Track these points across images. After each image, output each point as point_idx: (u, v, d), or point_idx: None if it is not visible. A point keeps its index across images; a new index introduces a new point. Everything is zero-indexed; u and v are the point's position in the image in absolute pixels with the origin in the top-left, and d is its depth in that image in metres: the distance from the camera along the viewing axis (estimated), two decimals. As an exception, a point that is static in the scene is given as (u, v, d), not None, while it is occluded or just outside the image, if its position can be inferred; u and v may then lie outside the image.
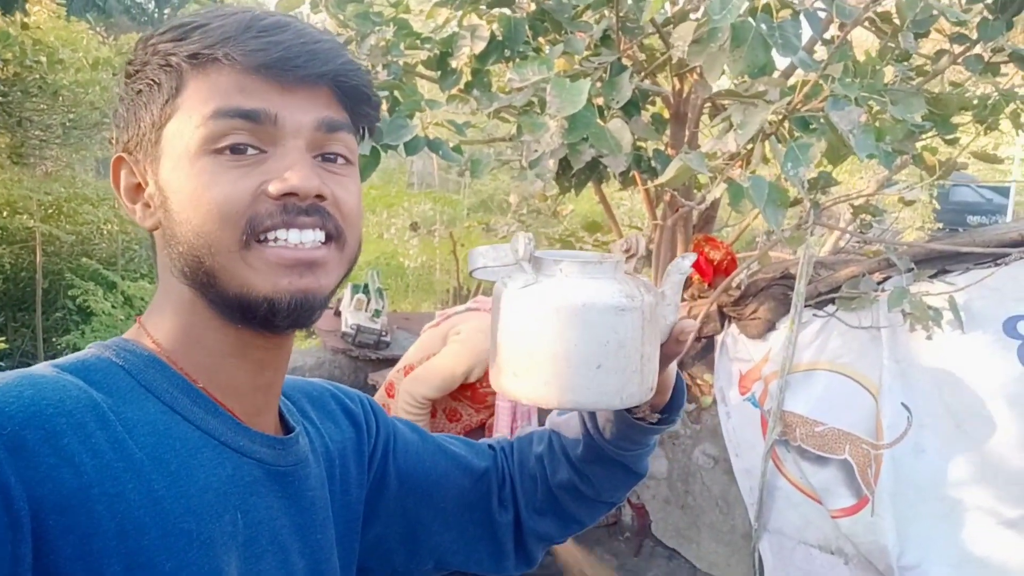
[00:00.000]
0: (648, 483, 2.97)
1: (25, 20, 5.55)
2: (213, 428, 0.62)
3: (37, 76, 5.48)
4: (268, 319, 0.62)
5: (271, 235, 0.61)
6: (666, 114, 2.97)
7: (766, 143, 1.92)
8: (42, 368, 0.58)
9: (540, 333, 0.69)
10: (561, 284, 0.71)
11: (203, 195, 0.60)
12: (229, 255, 0.60)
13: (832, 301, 2.53)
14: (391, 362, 2.85)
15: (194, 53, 0.61)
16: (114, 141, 0.67)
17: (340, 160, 0.66)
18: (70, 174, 7.16)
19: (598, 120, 2.12)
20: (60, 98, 5.74)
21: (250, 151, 0.61)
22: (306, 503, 0.70)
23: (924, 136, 2.64)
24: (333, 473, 0.76)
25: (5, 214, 6.44)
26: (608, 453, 0.84)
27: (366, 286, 2.89)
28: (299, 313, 0.62)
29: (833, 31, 2.42)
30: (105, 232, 7.22)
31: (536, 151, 2.15)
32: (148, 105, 0.63)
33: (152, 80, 0.63)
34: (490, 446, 0.94)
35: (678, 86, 2.97)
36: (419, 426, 0.91)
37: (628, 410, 0.79)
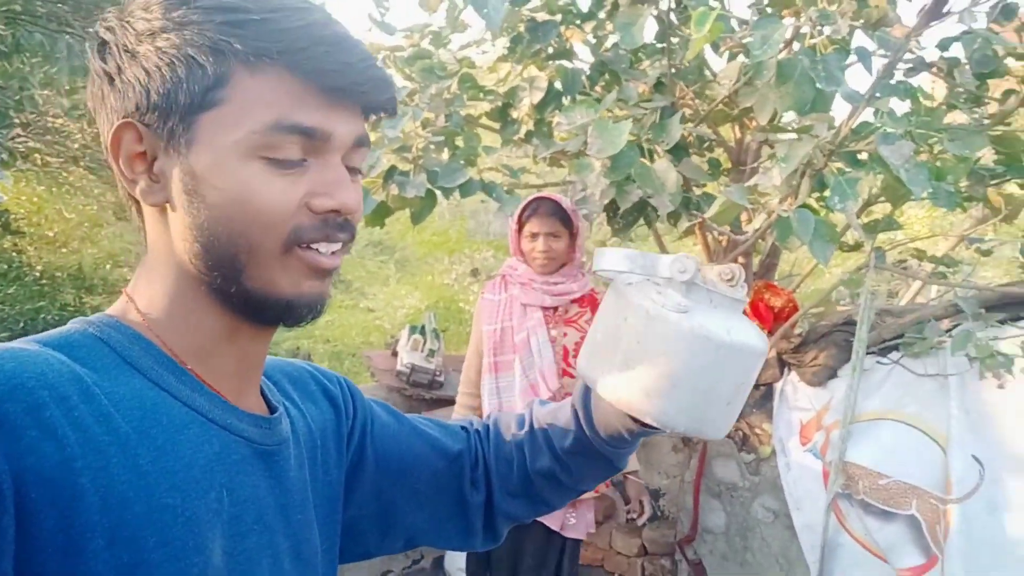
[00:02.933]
0: (705, 538, 2.87)
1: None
2: (199, 405, 0.62)
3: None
4: (279, 317, 0.64)
5: (312, 245, 0.62)
6: (726, 162, 2.96)
7: (813, 179, 1.89)
8: (24, 343, 0.57)
9: (689, 363, 0.68)
10: (714, 318, 0.70)
11: (252, 200, 0.60)
12: (267, 258, 0.61)
13: (896, 348, 2.43)
14: (444, 402, 2.87)
15: (253, 51, 0.58)
16: (105, 97, 0.62)
17: (358, 173, 0.67)
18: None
19: (644, 160, 2.13)
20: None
21: (295, 161, 0.61)
22: (288, 483, 0.69)
23: (996, 181, 2.55)
24: (315, 454, 0.76)
25: (108, 266, 6.85)
26: (597, 448, 0.85)
27: (423, 327, 2.94)
28: (312, 314, 0.65)
29: (899, 76, 2.38)
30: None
31: (582, 191, 2.18)
32: (184, 83, 0.59)
33: (193, 58, 0.58)
34: (464, 428, 0.94)
35: (739, 135, 2.98)
36: (397, 410, 0.92)
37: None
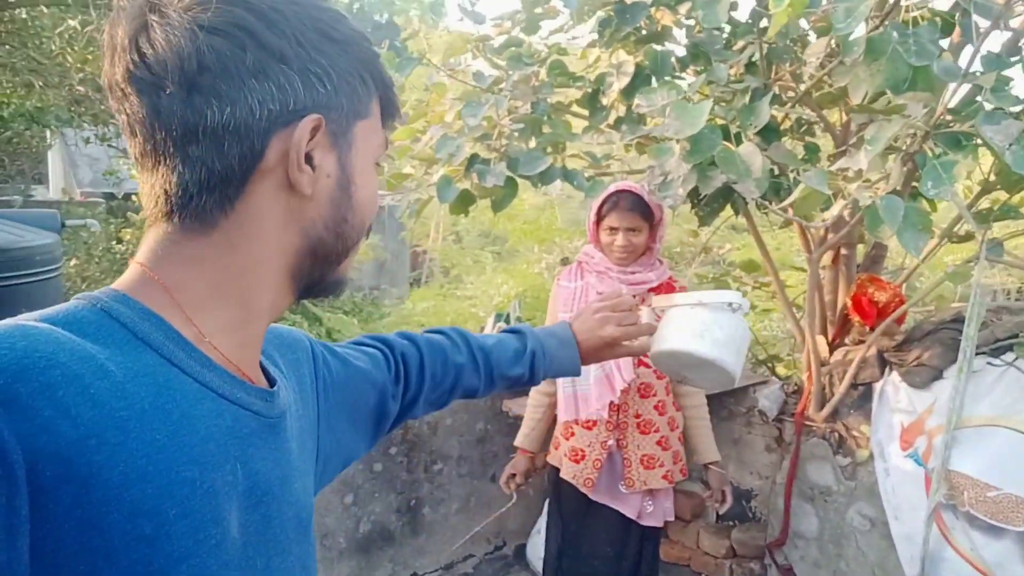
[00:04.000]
0: (797, 543, 2.73)
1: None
2: (210, 380, 0.62)
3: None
4: (325, 295, 0.74)
5: None
6: (828, 146, 2.79)
7: (906, 162, 1.75)
8: (30, 319, 0.57)
9: (743, 340, 1.25)
10: (743, 322, 1.26)
11: (375, 199, 0.72)
12: (359, 247, 0.74)
13: (1011, 348, 2.22)
14: (526, 390, 2.86)
15: (381, 79, 0.71)
16: (284, 89, 0.63)
17: None
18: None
19: (727, 144, 2.03)
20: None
21: None
22: (289, 453, 0.71)
23: None
24: (302, 423, 0.78)
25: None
26: (530, 382, 1.17)
27: (508, 315, 2.93)
28: (342, 291, 0.76)
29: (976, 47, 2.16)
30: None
31: (662, 176, 2.10)
32: (353, 94, 0.67)
33: (362, 76, 0.68)
34: (383, 351, 1.04)
35: (845, 117, 2.80)
36: (332, 346, 0.98)
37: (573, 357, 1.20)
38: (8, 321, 0.55)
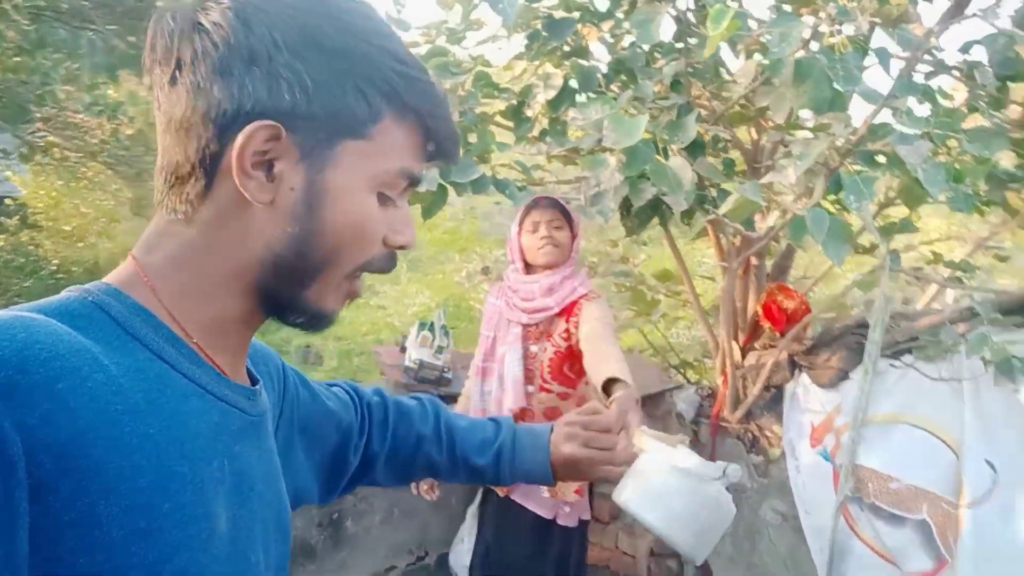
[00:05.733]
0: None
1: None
2: (199, 377, 0.63)
3: (154, 135, 5.92)
4: (300, 324, 0.69)
5: (361, 274, 0.69)
6: (740, 163, 2.95)
7: (829, 178, 1.88)
8: (24, 310, 0.57)
9: (712, 518, 1.07)
10: (722, 497, 1.08)
11: (360, 229, 0.65)
12: (336, 279, 0.67)
13: (911, 351, 2.41)
14: (454, 398, 2.87)
15: (406, 103, 0.65)
16: (231, 69, 0.60)
17: None
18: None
19: (659, 158, 2.13)
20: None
21: None
22: (268, 453, 0.73)
23: (1017, 186, 2.53)
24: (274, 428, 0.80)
25: (121, 262, 6.88)
26: (495, 479, 1.09)
27: (432, 324, 2.94)
28: (323, 327, 0.71)
29: (919, 79, 2.37)
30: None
31: (595, 188, 2.17)
32: (340, 109, 0.62)
33: (362, 90, 0.63)
34: (351, 397, 1.03)
35: (754, 136, 2.96)
36: (306, 378, 0.97)
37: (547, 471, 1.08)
38: (6, 312, 0.55)
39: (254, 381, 0.74)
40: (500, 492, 2.40)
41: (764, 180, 1.86)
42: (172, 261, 0.64)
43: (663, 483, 1.04)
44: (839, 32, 1.75)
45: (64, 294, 0.62)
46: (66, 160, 5.51)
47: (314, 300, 0.67)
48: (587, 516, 2.48)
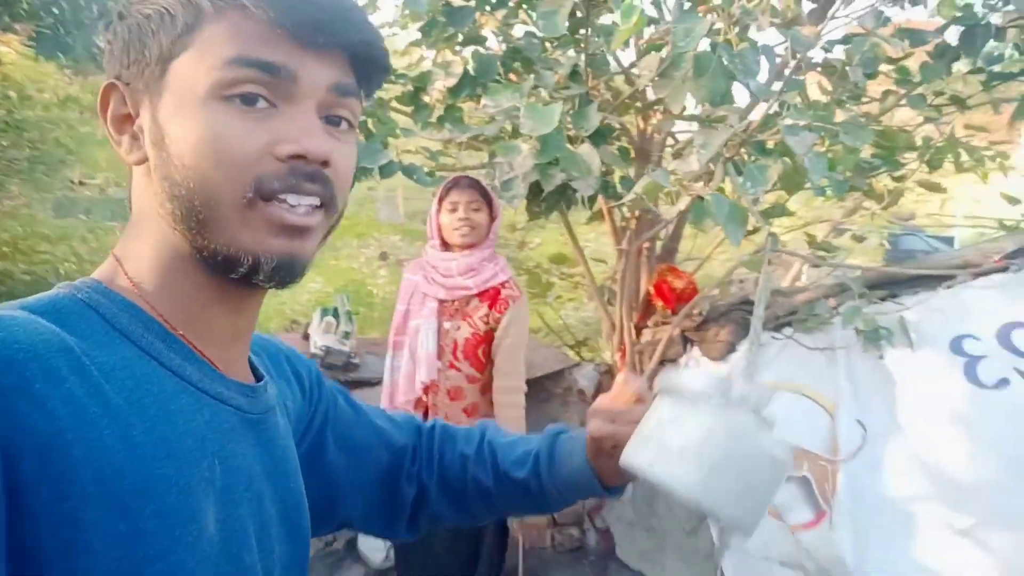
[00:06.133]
0: (613, 505, 3.02)
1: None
2: (189, 374, 0.61)
3: (3, 111, 5.48)
4: (248, 276, 0.62)
5: (277, 197, 0.60)
6: (632, 151, 3.10)
7: (726, 165, 2.04)
8: (9, 308, 0.56)
9: (767, 478, 0.74)
10: (771, 437, 0.76)
11: (211, 145, 0.58)
12: (230, 209, 0.59)
13: (790, 324, 2.64)
14: (360, 383, 2.88)
15: None
16: (105, 65, 0.64)
17: (344, 124, 0.65)
18: (28, 212, 7.08)
19: (569, 146, 2.22)
20: (25, 134, 5.72)
21: (260, 103, 0.59)
22: (276, 451, 0.70)
23: (874, 173, 2.81)
24: (289, 430, 0.77)
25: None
26: (545, 491, 0.93)
27: (335, 309, 2.93)
28: (282, 275, 0.63)
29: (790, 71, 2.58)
30: (62, 271, 7.12)
31: (509, 174, 2.24)
32: (156, 34, 0.59)
33: (165, 9, 0.59)
34: (411, 421, 0.99)
35: (642, 125, 3.12)
36: (353, 398, 0.95)
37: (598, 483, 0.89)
38: None
39: (259, 377, 0.72)
40: None
41: (671, 167, 1.99)
42: (136, 249, 0.64)
43: (659, 419, 0.76)
44: (739, 30, 1.89)
45: (54, 290, 0.60)
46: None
47: (225, 244, 0.60)
48: None
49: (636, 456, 0.76)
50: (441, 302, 2.37)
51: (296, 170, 0.60)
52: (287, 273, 0.63)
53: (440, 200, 2.39)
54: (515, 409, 2.38)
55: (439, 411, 2.36)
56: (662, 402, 0.78)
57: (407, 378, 2.36)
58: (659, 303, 2.98)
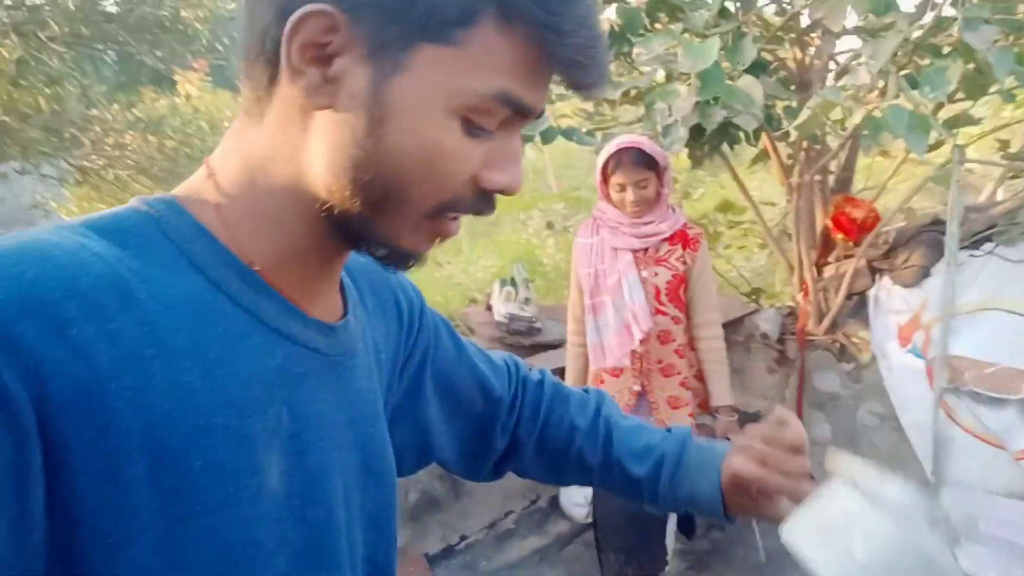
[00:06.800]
0: (813, 449, 2.93)
1: (187, 93, 6.30)
2: (263, 311, 0.55)
3: (198, 141, 6.07)
4: (379, 257, 0.59)
5: (451, 214, 0.57)
6: (792, 83, 3.00)
7: (899, 79, 1.94)
8: (66, 230, 0.50)
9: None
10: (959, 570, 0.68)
11: (434, 158, 0.53)
12: (411, 215, 0.55)
13: (989, 239, 2.46)
14: (544, 347, 2.98)
15: (517, 6, 0.50)
16: None
17: None
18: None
19: (727, 81, 2.19)
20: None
21: (488, 130, 0.55)
22: (355, 395, 0.64)
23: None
24: (381, 368, 0.72)
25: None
26: (654, 496, 0.85)
27: (512, 279, 3.04)
28: (407, 264, 0.60)
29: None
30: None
31: (668, 119, 2.25)
32: (419, 3, 0.50)
33: None
34: (509, 370, 0.91)
35: (799, 54, 3.00)
36: (458, 334, 0.88)
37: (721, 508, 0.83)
38: (30, 236, 0.48)
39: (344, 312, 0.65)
40: None
41: (841, 83, 1.92)
42: (241, 170, 0.56)
43: (845, 515, 0.70)
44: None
45: (126, 205, 0.55)
46: (117, 180, 5.70)
47: (387, 236, 0.56)
48: None
49: (809, 545, 0.69)
50: (635, 252, 2.39)
51: (486, 197, 0.57)
52: (412, 264, 0.60)
53: (605, 176, 2.38)
54: (718, 341, 2.43)
55: (651, 358, 2.40)
56: (848, 494, 0.71)
57: (618, 334, 2.40)
58: (839, 236, 2.86)
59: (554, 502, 3.14)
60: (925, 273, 2.58)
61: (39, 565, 0.44)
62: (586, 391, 0.94)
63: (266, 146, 0.55)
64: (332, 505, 0.59)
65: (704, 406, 2.51)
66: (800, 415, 2.94)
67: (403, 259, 0.59)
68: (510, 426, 0.88)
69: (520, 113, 0.54)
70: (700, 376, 2.49)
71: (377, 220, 0.55)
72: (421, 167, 0.52)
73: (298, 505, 0.55)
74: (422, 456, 0.83)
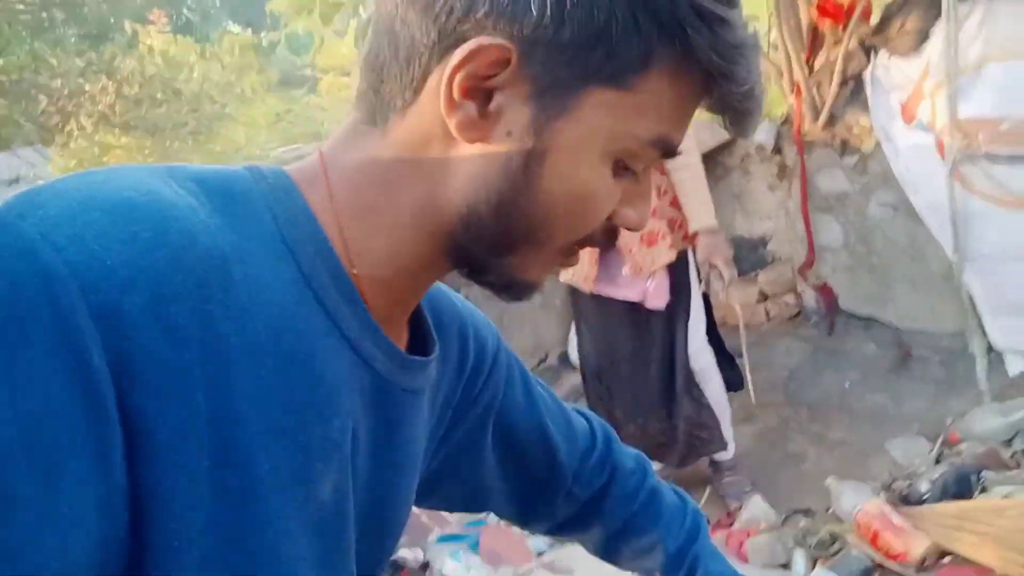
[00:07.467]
0: (825, 257, 2.79)
1: (150, 44, 6.20)
2: (342, 317, 0.51)
3: (158, 82, 5.88)
4: (496, 289, 0.57)
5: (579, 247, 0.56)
6: None
7: None
8: (175, 180, 0.46)
9: None
10: None
11: (584, 204, 0.51)
12: (543, 251, 0.53)
13: (989, -17, 2.25)
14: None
15: (698, 56, 0.47)
16: (481, 9, 0.47)
17: None
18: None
19: None
20: (183, 97, 6.11)
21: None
22: (400, 439, 0.60)
23: None
24: (433, 410, 0.67)
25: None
26: None
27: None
28: (526, 297, 0.58)
29: None
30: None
31: None
32: (606, 45, 0.47)
33: (637, 25, 0.46)
34: (604, 444, 0.83)
35: None
36: (534, 383, 0.79)
37: None
38: (138, 179, 0.44)
39: (419, 344, 0.62)
40: (585, 288, 2.33)
41: None
42: (360, 168, 0.53)
43: None
44: None
45: (238, 168, 0.52)
46: (83, 130, 5.52)
47: (513, 270, 0.54)
48: (668, 298, 2.30)
49: None
50: None
51: (613, 231, 0.56)
52: (531, 295, 0.58)
53: None
54: (692, 157, 2.22)
55: None
56: None
57: None
58: (826, 24, 2.65)
59: (564, 358, 3.03)
60: (924, 36, 2.38)
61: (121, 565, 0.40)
62: (683, 500, 0.86)
63: (392, 158, 0.52)
64: (379, 538, 0.60)
65: (689, 237, 2.30)
66: (807, 223, 2.78)
67: (524, 290, 0.56)
68: (581, 498, 0.82)
69: (669, 155, 0.53)
70: (675, 203, 2.25)
71: (511, 253, 0.53)
72: (572, 208, 0.51)
73: (339, 528, 0.53)
74: (472, 505, 0.82)
